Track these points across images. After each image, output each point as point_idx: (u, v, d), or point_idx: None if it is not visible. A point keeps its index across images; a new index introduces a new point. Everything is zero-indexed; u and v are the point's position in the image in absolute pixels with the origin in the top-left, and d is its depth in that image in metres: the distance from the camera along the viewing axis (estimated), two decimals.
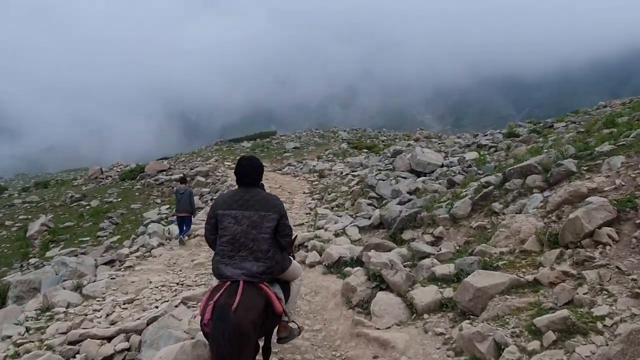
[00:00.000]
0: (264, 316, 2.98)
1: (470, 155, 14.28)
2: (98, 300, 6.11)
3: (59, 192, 26.29)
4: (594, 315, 3.28)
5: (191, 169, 26.31)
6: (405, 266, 5.97)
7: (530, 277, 4.19)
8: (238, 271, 3.02)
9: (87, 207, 21.66)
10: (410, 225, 8.20)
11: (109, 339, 4.47)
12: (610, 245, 4.18)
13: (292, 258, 3.76)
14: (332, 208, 13.11)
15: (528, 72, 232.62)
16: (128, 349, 4.26)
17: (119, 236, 16.51)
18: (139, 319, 5.01)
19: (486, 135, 21.66)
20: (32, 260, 14.97)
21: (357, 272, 5.50)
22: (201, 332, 3.32)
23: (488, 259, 4.87)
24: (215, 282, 3.19)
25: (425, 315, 4.44)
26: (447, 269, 5.10)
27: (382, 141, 36.49)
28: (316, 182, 19.14)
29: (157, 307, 5.40)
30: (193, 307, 5.42)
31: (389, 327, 4.39)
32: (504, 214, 6.51)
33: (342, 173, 19.05)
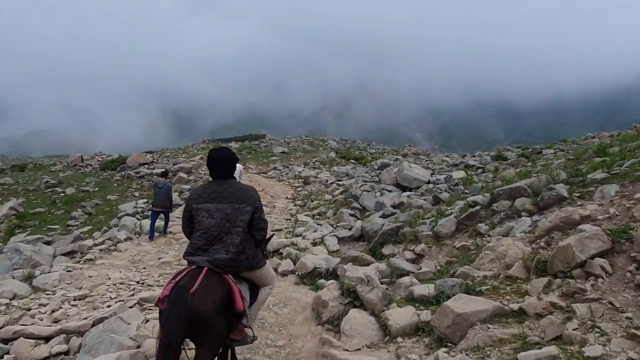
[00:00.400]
0: (224, 308, 2.88)
1: (458, 174, 14.06)
2: (47, 294, 5.61)
3: (34, 177, 25.43)
4: (585, 355, 2.95)
5: (174, 165, 25.79)
6: (382, 283, 5.62)
7: (515, 306, 3.85)
8: (205, 258, 2.99)
9: (62, 194, 20.92)
10: (391, 239, 7.86)
11: (47, 339, 4.00)
12: (602, 278, 3.87)
13: (267, 262, 3.59)
14: (314, 216, 12.74)
15: (520, 100, 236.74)
16: (66, 353, 3.79)
17: (90, 227, 15.88)
18: (85, 318, 4.55)
19: (474, 156, 21.59)
20: None
21: (331, 286, 5.11)
22: (148, 340, 2.99)
23: (470, 283, 4.53)
24: None
25: (400, 339, 4.06)
26: (426, 289, 4.74)
27: (371, 154, 36.39)
28: (300, 189, 18.77)
29: (109, 307, 4.94)
30: (149, 309, 4.97)
31: (358, 349, 4.01)
32: (489, 235, 6.20)
33: (327, 181, 18.72)
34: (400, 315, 4.31)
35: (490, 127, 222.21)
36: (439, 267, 6.13)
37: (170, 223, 10.96)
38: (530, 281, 4.29)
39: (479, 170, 15.56)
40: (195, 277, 2.83)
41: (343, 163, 27.69)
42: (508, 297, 4.14)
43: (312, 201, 15.07)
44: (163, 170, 15.39)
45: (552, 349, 3.01)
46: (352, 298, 4.79)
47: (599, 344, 3.03)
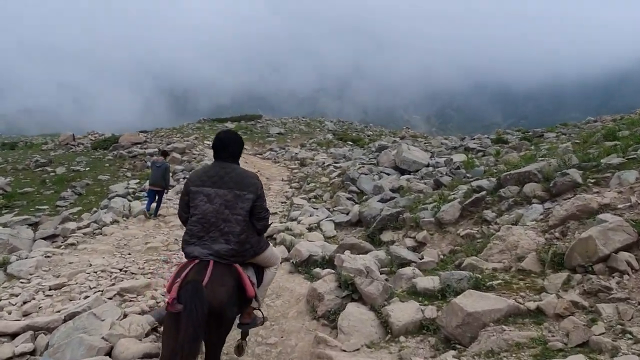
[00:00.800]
0: (236, 298, 2.80)
1: (458, 157, 13.66)
2: (22, 282, 5.20)
3: (25, 155, 24.81)
4: None
5: (167, 144, 25.17)
6: (382, 273, 5.25)
7: (532, 305, 3.47)
8: (206, 251, 2.82)
9: (52, 173, 20.36)
10: (390, 225, 7.48)
11: (13, 336, 3.61)
12: (629, 275, 3.49)
13: (269, 244, 3.42)
14: (310, 199, 12.34)
15: (518, 84, 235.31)
16: (31, 353, 3.39)
17: (80, 207, 15.40)
18: (59, 311, 4.15)
19: (474, 139, 21.17)
20: None
21: (327, 277, 4.72)
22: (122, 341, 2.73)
23: (480, 276, 4.15)
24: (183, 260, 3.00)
25: (402, 338, 3.69)
26: (430, 282, 4.37)
27: (368, 136, 35.85)
28: (296, 170, 18.35)
29: (86, 298, 4.54)
30: (129, 300, 4.58)
31: (357, 349, 3.63)
32: (496, 223, 5.82)
33: (324, 163, 18.29)
34: (403, 312, 3.94)
35: (487, 110, 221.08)
36: (442, 257, 5.77)
37: (161, 205, 10.56)
38: (546, 276, 3.92)
39: (480, 154, 15.15)
40: (202, 269, 2.71)
41: (340, 145, 27.22)
42: (522, 294, 3.77)
43: (308, 183, 14.67)
44: (163, 149, 15.06)
45: (580, 358, 2.63)
46: (350, 291, 4.41)
47: (634, 352, 2.65)
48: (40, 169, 21.08)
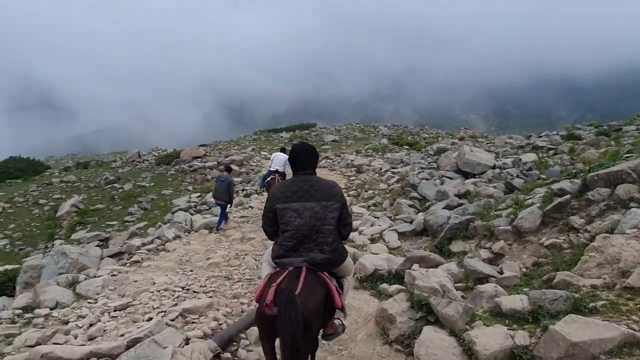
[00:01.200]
0: (323, 308, 2.82)
1: (528, 157, 12.70)
2: (89, 302, 5.22)
3: (96, 173, 26.31)
4: None
5: (226, 157, 25.79)
6: (457, 289, 4.78)
7: None
8: (301, 258, 2.91)
9: (120, 190, 21.39)
10: (460, 235, 6.94)
11: None
12: None
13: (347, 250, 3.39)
14: (369, 207, 11.95)
15: (582, 74, 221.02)
16: None
17: (145, 222, 15.97)
18: (122, 335, 4.07)
19: (541, 136, 19.82)
20: (57, 242, 14.56)
21: (398, 296, 4.32)
22: None
23: (579, 296, 3.59)
24: (268, 271, 3.05)
25: None
26: (518, 302, 3.86)
27: (424, 138, 34.91)
28: (353, 178, 18.00)
29: (150, 320, 4.45)
30: (192, 323, 4.43)
31: None
32: (587, 231, 5.15)
33: (381, 169, 17.83)
34: (489, 337, 3.47)
35: (550, 105, 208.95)
36: (524, 270, 5.18)
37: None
38: None
39: (551, 152, 14.04)
40: (295, 277, 2.77)
41: (396, 149, 26.57)
42: (635, 318, 3.19)
43: (366, 191, 14.29)
44: (228, 165, 15.48)
45: None
46: (425, 312, 3.99)
47: None
48: (109, 186, 22.22)
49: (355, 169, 20.00)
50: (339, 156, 25.36)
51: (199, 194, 18.78)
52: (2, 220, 18.41)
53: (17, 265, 10.51)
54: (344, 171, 20.25)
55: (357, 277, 5.84)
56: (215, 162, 24.87)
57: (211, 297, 5.24)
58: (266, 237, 3.42)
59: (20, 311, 5.16)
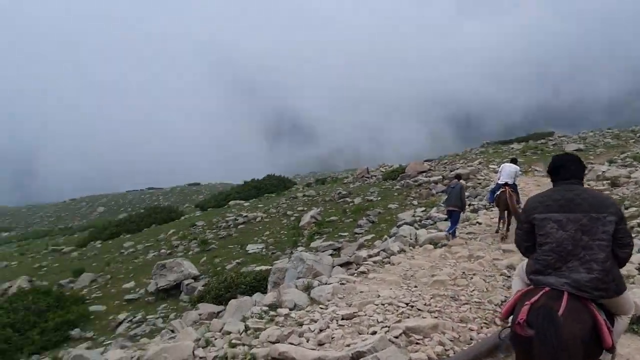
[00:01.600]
0: (588, 340, 2.42)
1: None
2: (321, 308, 5.56)
3: (331, 189, 29.15)
4: None
5: (451, 171, 25.10)
6: None
7: None
8: (562, 280, 2.57)
9: (351, 203, 23.05)
10: None
11: None
12: None
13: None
14: (632, 228, 9.61)
15: None
16: None
17: (372, 235, 16.67)
18: (348, 345, 4.10)
19: None
20: (299, 249, 16.54)
21: None
22: None
23: None
24: (519, 286, 2.80)
25: None
26: None
27: None
28: (607, 192, 14.97)
29: (374, 333, 4.40)
30: (415, 343, 4.18)
31: None
32: None
33: None
34: None
35: None
36: None
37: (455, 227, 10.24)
38: None
39: None
40: (555, 298, 2.48)
41: None
42: None
43: (627, 208, 11.66)
44: (457, 173, 15.70)
45: None
46: None
47: None
48: (342, 200, 24.25)
49: (608, 182, 16.73)
50: (586, 167, 21.64)
51: (423, 208, 18.67)
52: (260, 227, 22.13)
53: (269, 267, 12.25)
54: (592, 184, 17.14)
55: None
56: (440, 177, 24.49)
57: (436, 317, 4.91)
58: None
59: (267, 308, 5.86)
